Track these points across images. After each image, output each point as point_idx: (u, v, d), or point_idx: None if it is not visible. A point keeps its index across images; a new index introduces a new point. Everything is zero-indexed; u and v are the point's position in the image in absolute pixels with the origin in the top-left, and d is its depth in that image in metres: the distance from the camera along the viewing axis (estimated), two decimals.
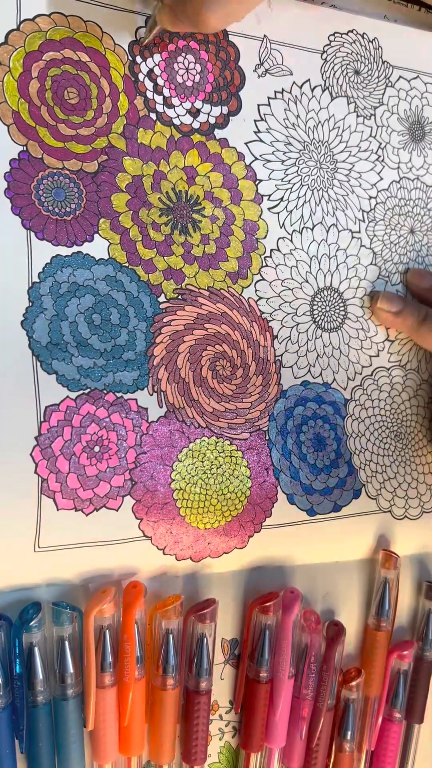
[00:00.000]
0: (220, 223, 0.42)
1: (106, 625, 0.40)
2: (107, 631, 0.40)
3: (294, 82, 0.43)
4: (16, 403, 0.38)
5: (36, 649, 0.38)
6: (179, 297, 0.42)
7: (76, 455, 0.39)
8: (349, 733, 0.47)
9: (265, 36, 0.42)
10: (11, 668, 0.38)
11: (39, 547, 0.39)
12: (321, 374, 0.46)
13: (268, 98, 0.43)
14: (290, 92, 0.43)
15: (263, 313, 0.44)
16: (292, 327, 0.45)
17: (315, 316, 0.46)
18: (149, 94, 0.40)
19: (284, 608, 0.44)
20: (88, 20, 0.38)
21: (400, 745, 0.49)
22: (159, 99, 0.40)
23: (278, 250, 0.44)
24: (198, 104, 0.41)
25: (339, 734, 0.47)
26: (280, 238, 0.44)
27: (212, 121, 0.42)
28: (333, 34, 0.44)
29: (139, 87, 0.40)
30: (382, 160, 0.47)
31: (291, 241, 0.44)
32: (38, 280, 0.38)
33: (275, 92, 0.43)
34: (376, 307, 0.47)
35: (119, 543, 0.41)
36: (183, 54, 0.40)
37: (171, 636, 0.41)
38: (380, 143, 0.46)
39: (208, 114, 0.41)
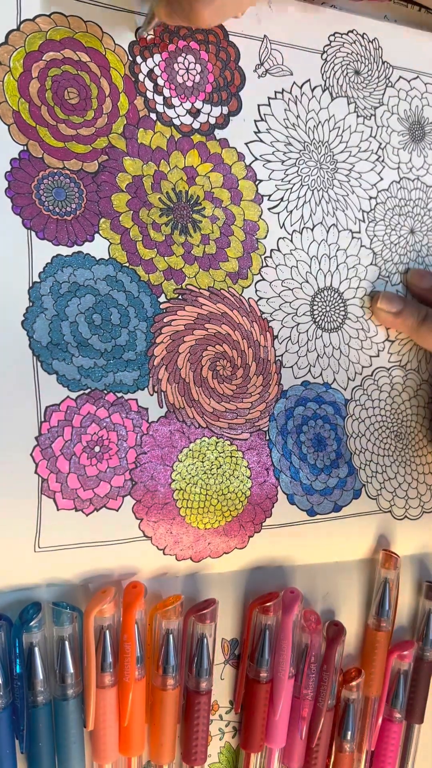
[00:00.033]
0: (220, 224, 0.42)
1: (107, 625, 0.40)
2: (107, 631, 0.39)
3: (294, 83, 0.43)
4: (17, 403, 0.38)
5: (36, 649, 0.38)
6: (179, 297, 0.42)
7: (76, 455, 0.39)
8: (349, 733, 0.47)
9: (265, 36, 0.42)
10: (11, 668, 0.38)
11: (39, 547, 0.39)
12: (321, 374, 0.46)
13: (269, 98, 0.43)
14: (290, 92, 0.43)
15: (263, 313, 0.44)
16: (293, 327, 0.45)
17: (315, 316, 0.46)
18: (149, 95, 0.40)
19: (284, 608, 0.44)
20: (89, 20, 0.38)
21: (400, 746, 0.49)
22: (159, 99, 0.40)
23: (278, 250, 0.44)
24: (198, 104, 0.41)
25: (339, 734, 0.47)
26: (280, 239, 0.44)
27: (212, 121, 0.42)
28: (333, 35, 0.44)
29: (139, 87, 0.40)
30: (382, 161, 0.47)
31: (291, 241, 0.44)
32: (39, 280, 0.38)
33: (275, 92, 0.43)
34: (376, 307, 0.47)
35: (119, 543, 0.41)
36: (183, 54, 0.40)
37: (171, 636, 0.41)
38: (380, 143, 0.46)
39: (209, 114, 0.41)
